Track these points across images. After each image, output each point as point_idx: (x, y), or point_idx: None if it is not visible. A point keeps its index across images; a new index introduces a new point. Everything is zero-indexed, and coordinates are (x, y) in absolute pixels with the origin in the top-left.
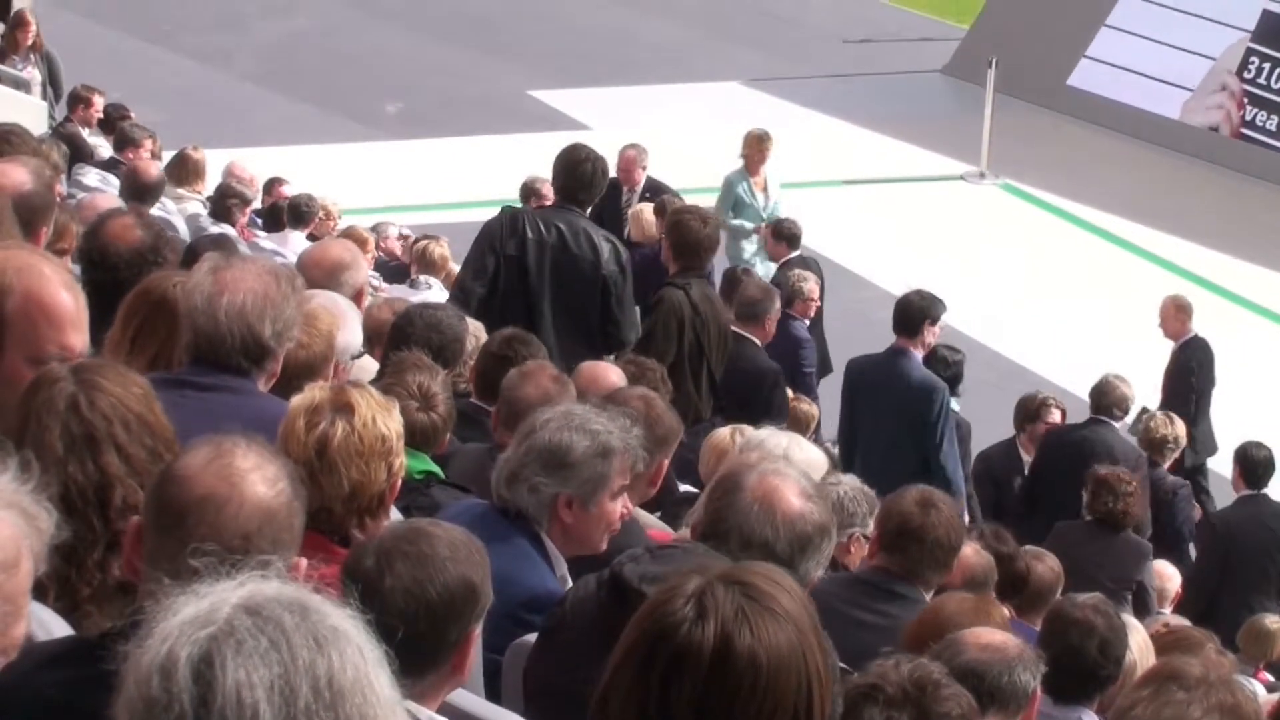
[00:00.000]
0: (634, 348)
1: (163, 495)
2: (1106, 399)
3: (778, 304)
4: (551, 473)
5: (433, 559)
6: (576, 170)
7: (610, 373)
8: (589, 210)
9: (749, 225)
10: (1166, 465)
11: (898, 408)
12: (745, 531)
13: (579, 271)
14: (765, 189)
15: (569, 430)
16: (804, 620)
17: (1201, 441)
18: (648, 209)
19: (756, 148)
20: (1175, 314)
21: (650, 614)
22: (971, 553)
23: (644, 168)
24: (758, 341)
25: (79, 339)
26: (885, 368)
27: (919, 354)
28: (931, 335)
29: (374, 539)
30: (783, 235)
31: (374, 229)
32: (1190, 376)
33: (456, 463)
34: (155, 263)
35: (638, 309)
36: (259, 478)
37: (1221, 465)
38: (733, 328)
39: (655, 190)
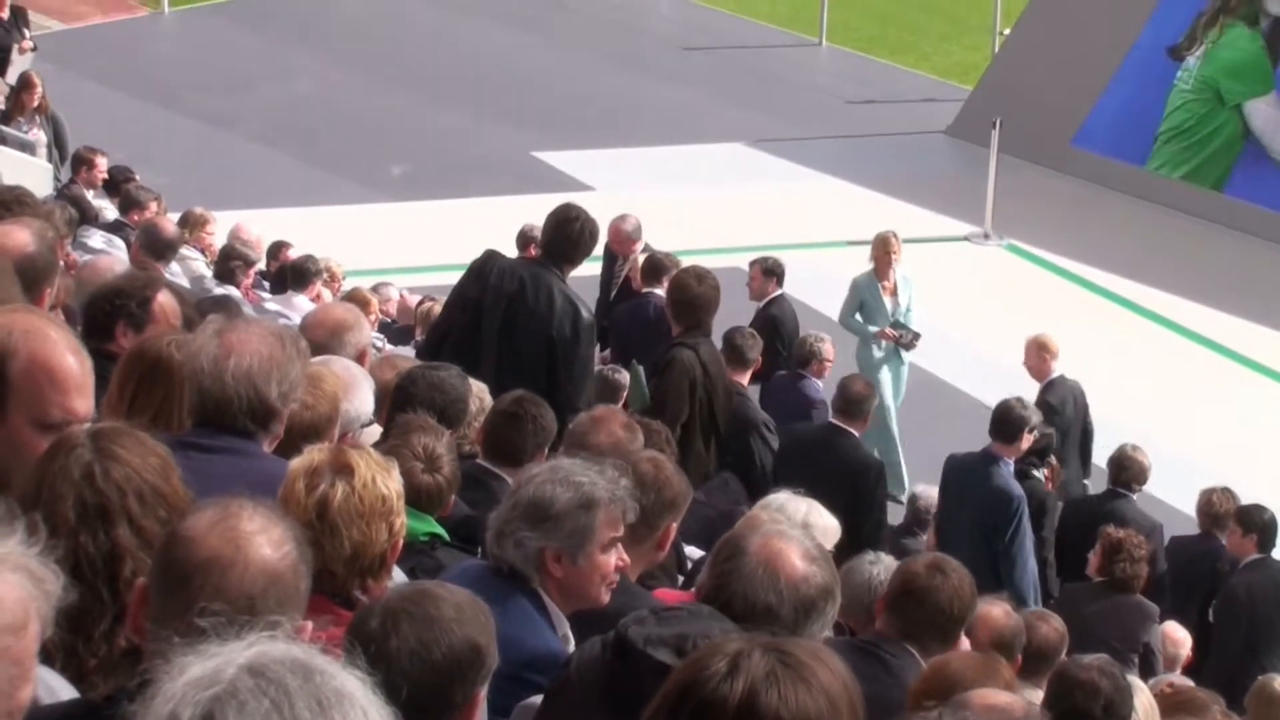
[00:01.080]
0: (648, 410)
1: (169, 557)
2: (1125, 471)
3: (875, 401)
4: (535, 526)
5: (438, 621)
6: (564, 228)
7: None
8: (570, 270)
9: (873, 329)
10: (1225, 540)
11: (979, 510)
12: (749, 596)
13: (530, 327)
14: (895, 293)
15: (552, 483)
16: (840, 697)
17: (1070, 482)
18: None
19: (884, 250)
20: (1038, 354)
21: (687, 668)
22: (1001, 614)
23: (636, 240)
24: (856, 434)
25: (84, 404)
26: (974, 470)
27: (1011, 461)
28: (1027, 443)
29: (379, 600)
30: (771, 271)
31: (374, 289)
32: (1054, 415)
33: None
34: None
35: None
36: (264, 540)
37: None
38: (831, 420)
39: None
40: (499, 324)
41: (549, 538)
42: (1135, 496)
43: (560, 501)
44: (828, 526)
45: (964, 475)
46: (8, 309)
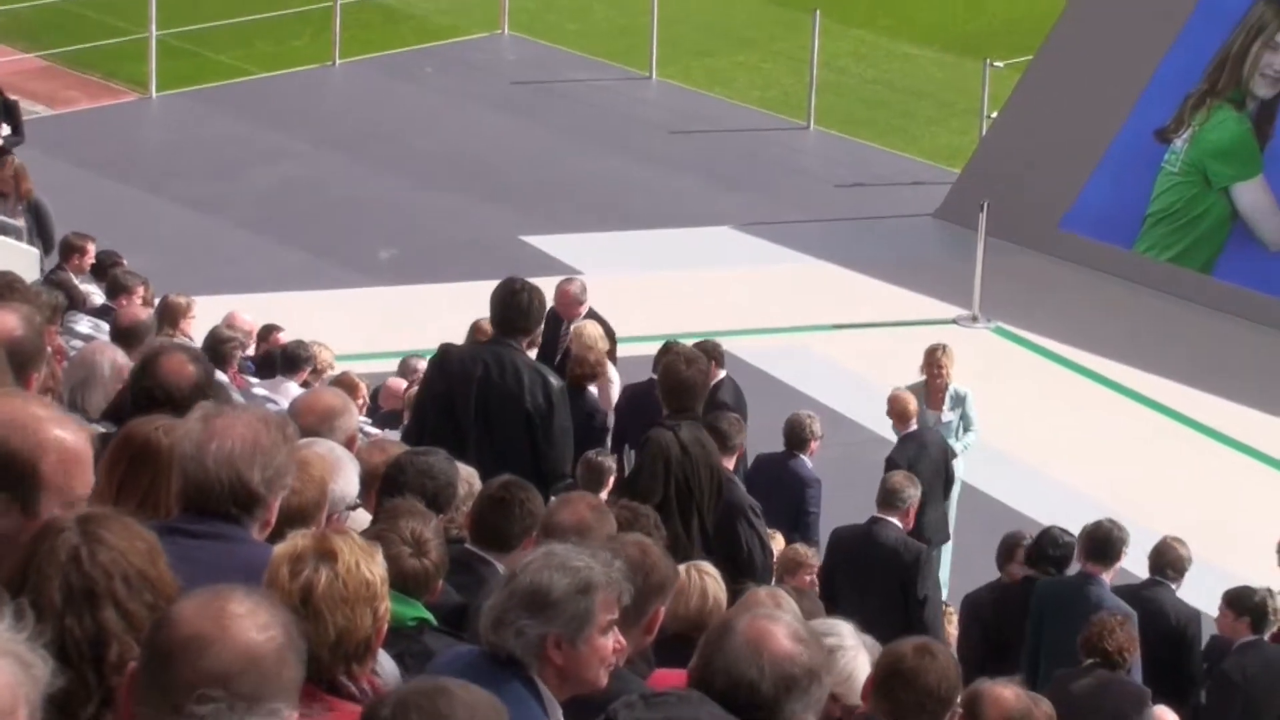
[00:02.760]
0: (620, 489)
1: (155, 636)
2: (1163, 559)
3: (918, 491)
4: (535, 614)
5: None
6: (513, 300)
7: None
8: (528, 340)
9: None
10: (1268, 635)
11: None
12: (732, 672)
13: (505, 406)
14: (941, 406)
15: (549, 570)
16: None
17: (933, 528)
18: (589, 325)
19: (927, 362)
20: (900, 408)
21: None
22: (1012, 696)
23: (583, 302)
24: (899, 524)
25: (93, 475)
26: (1073, 593)
27: (1108, 581)
28: (1121, 560)
29: (395, 691)
30: (709, 354)
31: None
32: (910, 467)
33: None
34: (210, 396)
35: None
36: (250, 623)
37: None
38: (874, 514)
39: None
40: (474, 410)
41: (549, 624)
42: (1175, 586)
43: (558, 588)
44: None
45: (1061, 599)
46: (4, 394)
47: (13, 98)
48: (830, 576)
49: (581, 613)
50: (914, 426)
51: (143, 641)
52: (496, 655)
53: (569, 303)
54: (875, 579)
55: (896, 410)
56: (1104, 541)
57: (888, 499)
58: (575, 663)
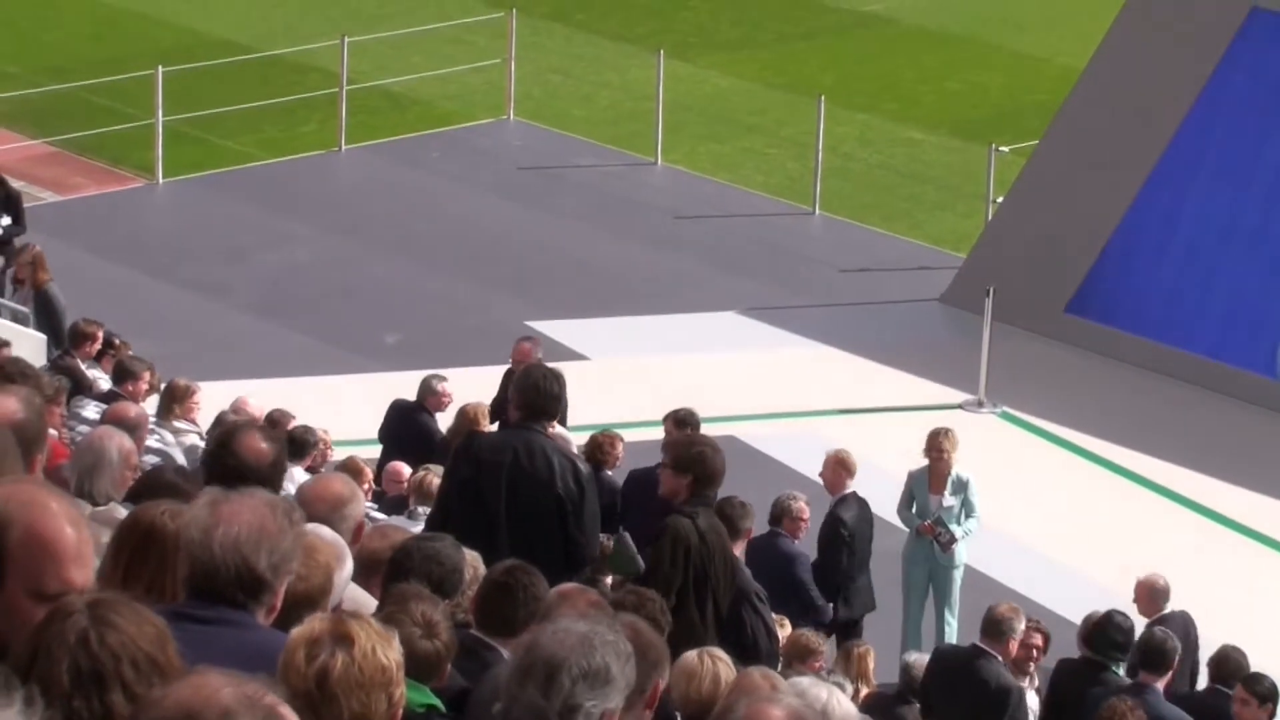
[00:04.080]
0: (639, 579)
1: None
2: (1224, 669)
3: (1022, 624)
4: (597, 690)
5: None
6: (541, 385)
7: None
8: (550, 426)
9: (918, 522)
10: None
11: None
12: None
13: (533, 493)
14: (942, 491)
15: (591, 649)
16: None
17: (857, 597)
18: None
19: (930, 446)
20: (835, 468)
21: None
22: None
23: (538, 358)
24: (1000, 658)
25: (81, 574)
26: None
27: (1161, 689)
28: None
29: None
30: (683, 421)
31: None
32: (841, 528)
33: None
34: (285, 469)
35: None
36: (233, 695)
37: None
38: (977, 643)
39: None
40: (503, 497)
41: (609, 700)
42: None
43: (613, 665)
44: (847, 714)
45: None
46: (8, 480)
47: (15, 188)
48: (928, 691)
49: (631, 681)
50: (850, 488)
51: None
52: None
53: (524, 358)
54: (969, 710)
55: (844, 466)
56: (1157, 653)
57: (991, 629)
58: None
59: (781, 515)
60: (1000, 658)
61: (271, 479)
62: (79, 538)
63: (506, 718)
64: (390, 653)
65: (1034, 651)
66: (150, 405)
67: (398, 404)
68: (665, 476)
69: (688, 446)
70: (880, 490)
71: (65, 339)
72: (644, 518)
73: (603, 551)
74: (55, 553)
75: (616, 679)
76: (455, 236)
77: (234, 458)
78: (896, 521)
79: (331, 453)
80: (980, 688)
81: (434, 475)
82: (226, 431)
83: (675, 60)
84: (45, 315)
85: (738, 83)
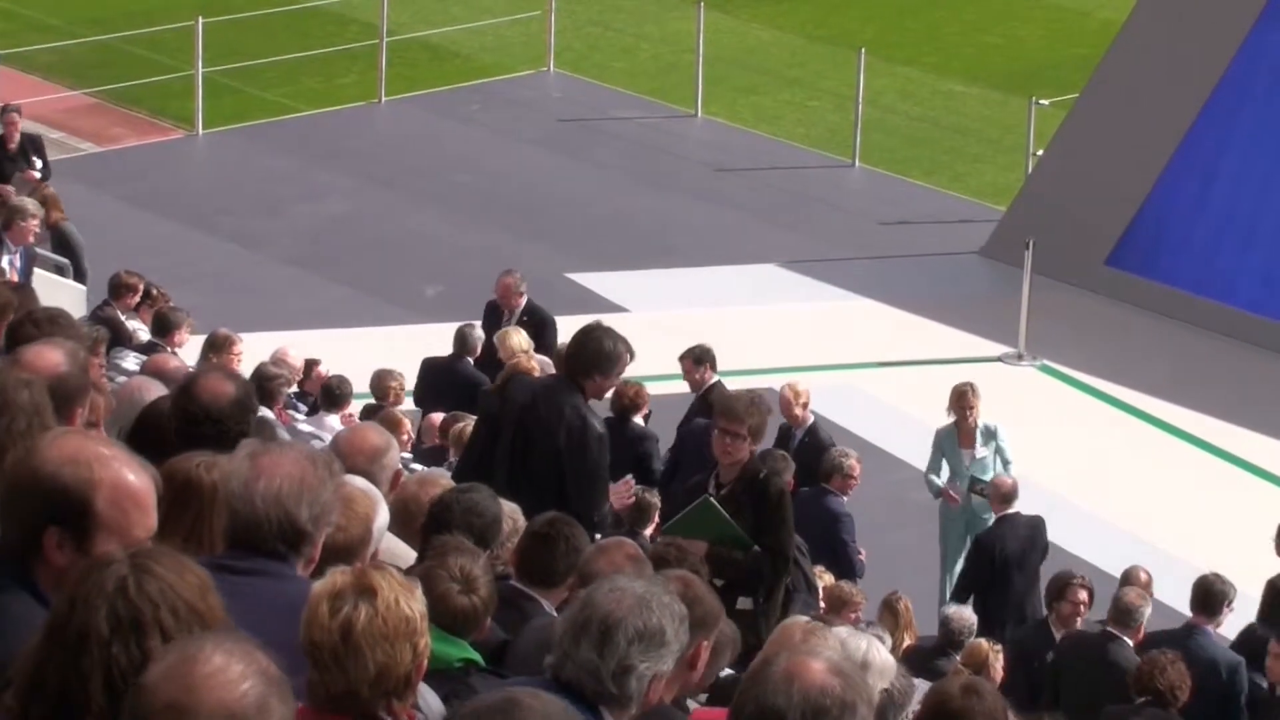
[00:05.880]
0: (767, 547)
1: (131, 706)
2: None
3: (1150, 609)
4: (650, 654)
5: None
6: (585, 340)
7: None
8: (594, 387)
9: (940, 483)
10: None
11: (1199, 684)
12: (761, 701)
13: (537, 440)
14: (973, 445)
15: (650, 610)
16: None
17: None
18: (513, 333)
19: (958, 403)
20: (793, 402)
21: None
22: None
23: (522, 293)
24: (1130, 642)
25: (154, 518)
26: (1181, 644)
27: (1214, 633)
28: (1228, 614)
29: (468, 705)
30: (700, 359)
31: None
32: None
33: (525, 639)
34: (253, 409)
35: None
36: (221, 681)
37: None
38: (1108, 628)
39: (533, 313)
40: (511, 438)
41: (662, 663)
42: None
43: (668, 628)
44: (885, 664)
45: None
46: (60, 433)
47: (36, 133)
48: (1057, 673)
49: (682, 645)
50: (811, 418)
51: (124, 711)
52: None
53: (507, 293)
54: (1101, 694)
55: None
56: (1206, 594)
57: (1122, 618)
58: (655, 694)
59: (833, 472)
60: (1130, 643)
61: (233, 417)
62: (151, 480)
63: (559, 673)
64: (414, 603)
65: (1080, 608)
66: (190, 355)
67: (430, 361)
68: (738, 447)
69: (758, 416)
70: (919, 442)
71: (86, 274)
72: (697, 473)
73: (644, 506)
74: (140, 502)
75: (671, 643)
76: (495, 188)
77: (193, 402)
78: (931, 478)
79: (405, 397)
80: (1113, 671)
81: (470, 425)
82: (188, 378)
83: (716, 12)
84: (64, 252)
85: (779, 35)
